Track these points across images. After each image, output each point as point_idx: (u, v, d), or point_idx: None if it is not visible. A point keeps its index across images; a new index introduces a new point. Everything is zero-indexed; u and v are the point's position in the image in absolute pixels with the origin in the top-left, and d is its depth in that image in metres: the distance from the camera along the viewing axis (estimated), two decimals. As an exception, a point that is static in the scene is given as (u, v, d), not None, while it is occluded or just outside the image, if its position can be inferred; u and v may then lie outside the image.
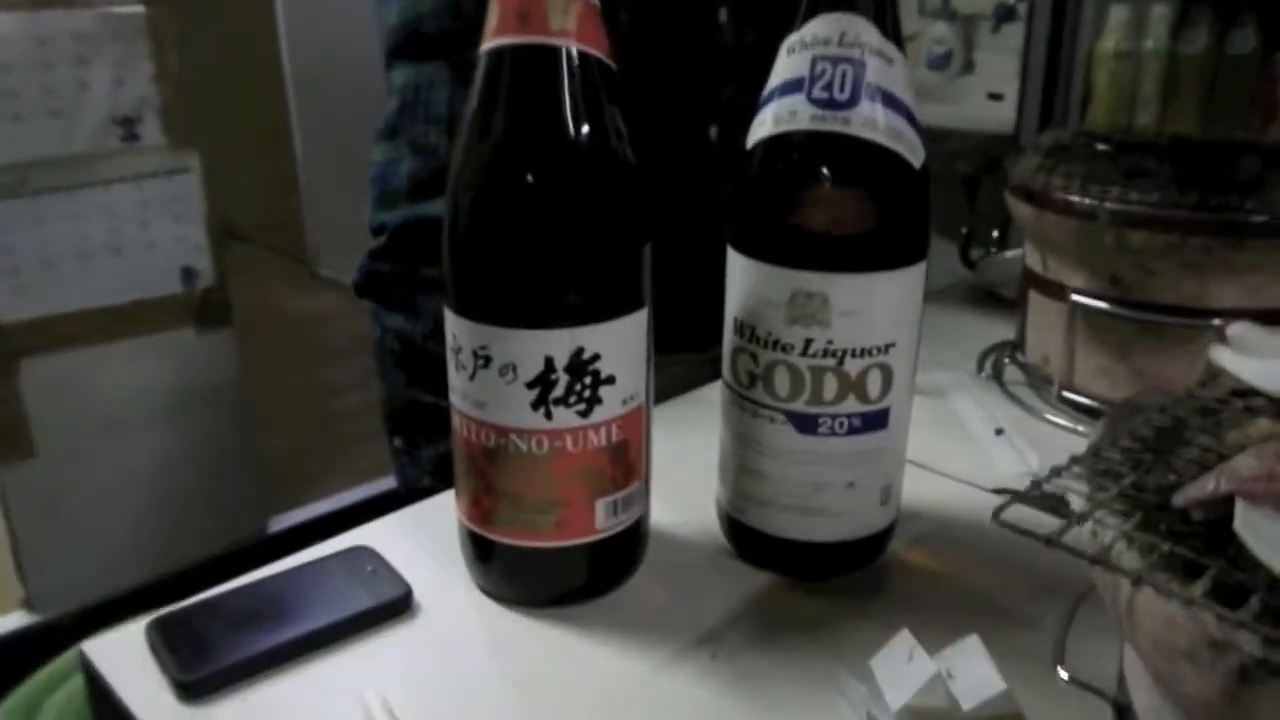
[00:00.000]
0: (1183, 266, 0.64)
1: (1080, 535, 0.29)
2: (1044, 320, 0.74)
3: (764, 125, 0.50)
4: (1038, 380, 0.77)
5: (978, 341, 0.86)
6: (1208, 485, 0.26)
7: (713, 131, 0.79)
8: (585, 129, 0.46)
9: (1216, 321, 0.65)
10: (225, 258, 1.42)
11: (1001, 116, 1.86)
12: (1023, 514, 0.30)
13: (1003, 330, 0.85)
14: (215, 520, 1.40)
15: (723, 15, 0.83)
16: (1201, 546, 0.25)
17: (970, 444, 0.70)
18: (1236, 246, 0.62)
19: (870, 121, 0.48)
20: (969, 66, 2.25)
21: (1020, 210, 0.72)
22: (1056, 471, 0.29)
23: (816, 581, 0.55)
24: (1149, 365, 0.67)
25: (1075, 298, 0.70)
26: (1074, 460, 0.30)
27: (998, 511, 0.27)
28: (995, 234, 1.39)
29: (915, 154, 0.49)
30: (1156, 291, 0.67)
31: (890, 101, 0.48)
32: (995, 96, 2.05)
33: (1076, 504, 0.28)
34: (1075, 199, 0.67)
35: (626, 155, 0.48)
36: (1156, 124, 1.65)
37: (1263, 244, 0.62)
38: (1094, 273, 0.69)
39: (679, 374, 0.77)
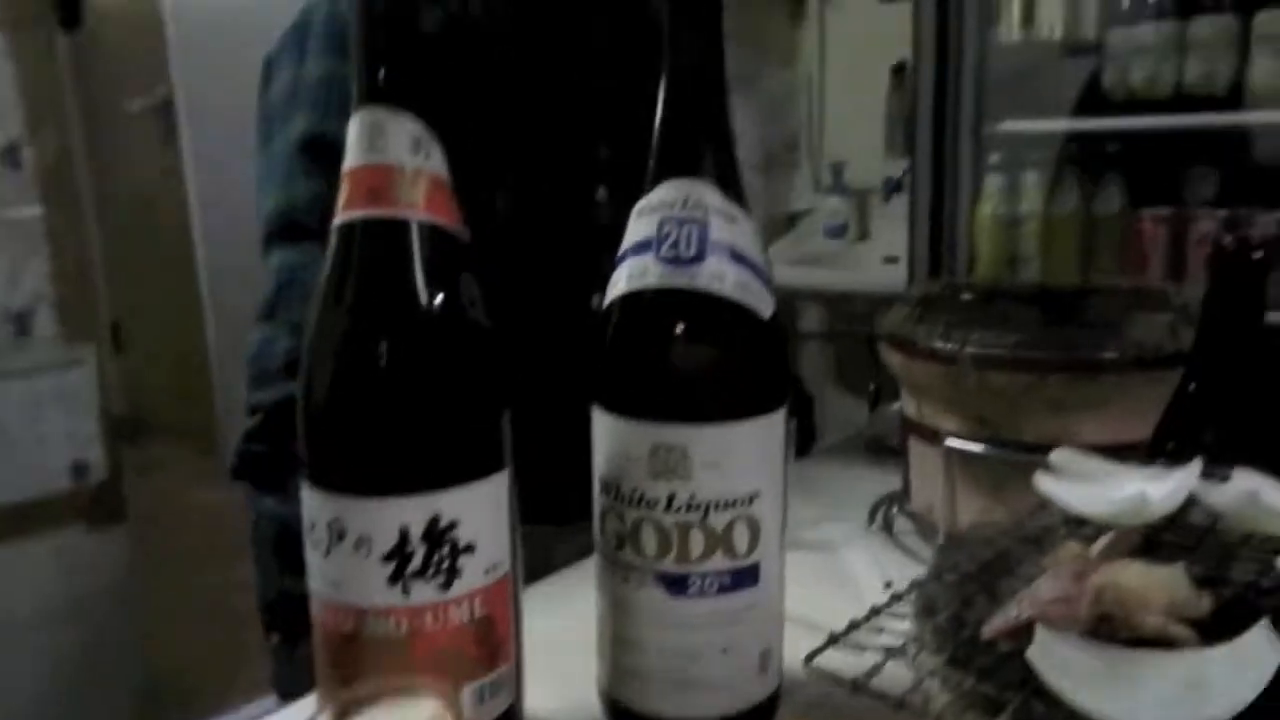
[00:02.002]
0: (1044, 405, 0.66)
1: (906, 676, 0.28)
2: (925, 467, 0.75)
3: (617, 285, 0.51)
4: (925, 529, 0.77)
5: (870, 493, 0.86)
6: (1011, 613, 0.26)
7: (595, 301, 0.81)
8: (435, 297, 0.47)
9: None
10: (120, 451, 1.38)
11: (898, 278, 1.95)
12: (857, 659, 0.29)
13: (895, 481, 0.86)
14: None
15: (601, 193, 0.87)
16: (1012, 679, 0.25)
17: (859, 601, 0.69)
18: (1090, 382, 0.65)
19: (717, 276, 0.49)
20: (864, 234, 2.38)
21: (891, 359, 0.75)
22: (876, 610, 0.29)
23: (702, 758, 0.52)
24: (1025, 504, 0.68)
25: (949, 442, 0.71)
26: (895, 598, 0.29)
27: (810, 657, 0.27)
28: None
29: (764, 306, 0.50)
30: (1023, 431, 0.68)
31: (737, 257, 0.50)
32: (890, 260, 2.16)
33: (887, 642, 0.27)
34: (939, 345, 0.69)
35: (480, 321, 0.49)
36: (1039, 279, 1.74)
37: (1115, 380, 0.64)
38: (963, 416, 0.70)
39: (584, 543, 0.76)
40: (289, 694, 0.72)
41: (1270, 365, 0.50)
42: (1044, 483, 0.36)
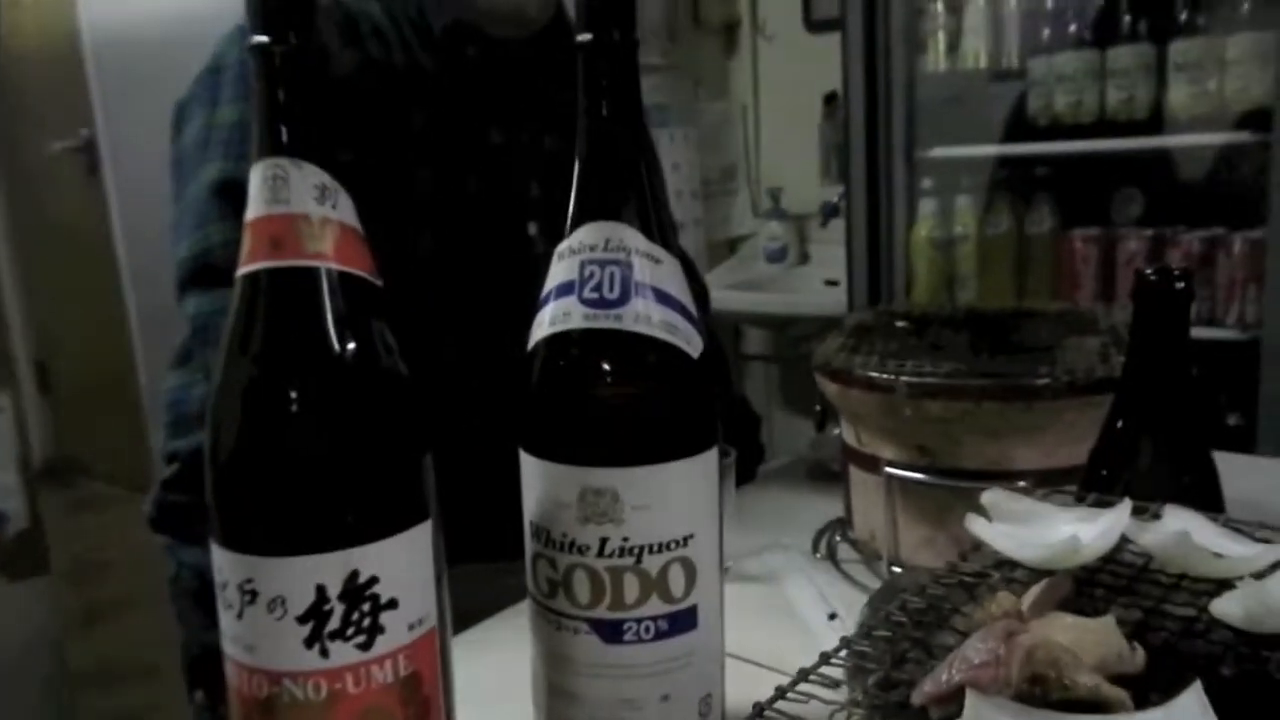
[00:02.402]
0: (981, 432, 0.66)
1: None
2: (866, 495, 0.75)
3: (540, 327, 0.50)
4: (869, 556, 0.76)
5: (814, 520, 0.85)
6: (941, 677, 0.25)
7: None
8: (345, 344, 0.45)
9: (1021, 484, 0.66)
10: (41, 499, 1.32)
11: (838, 300, 1.97)
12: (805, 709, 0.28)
13: (838, 506, 0.85)
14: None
15: (532, 229, 0.86)
16: (946, 744, 0.24)
17: (803, 634, 0.68)
18: (1025, 409, 0.65)
19: (642, 317, 0.48)
20: (805, 258, 2.40)
21: (828, 388, 0.74)
22: (804, 674, 0.27)
23: (642, 812, 0.50)
24: (967, 533, 0.68)
25: (889, 470, 0.70)
26: (824, 658, 0.28)
27: (756, 715, 0.25)
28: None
29: (691, 345, 0.49)
30: (962, 458, 0.68)
31: (662, 298, 0.49)
32: (831, 283, 2.17)
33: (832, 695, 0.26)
34: (875, 375, 0.69)
35: (395, 368, 0.47)
36: (976, 299, 1.77)
37: (1049, 405, 0.64)
38: (902, 444, 0.70)
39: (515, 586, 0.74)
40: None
41: (1196, 390, 0.50)
42: (976, 525, 0.35)
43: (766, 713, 0.26)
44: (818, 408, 1.29)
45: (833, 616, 0.69)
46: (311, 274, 0.44)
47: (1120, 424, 0.50)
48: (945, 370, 0.67)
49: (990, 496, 0.37)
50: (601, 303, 0.48)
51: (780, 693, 0.27)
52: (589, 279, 0.48)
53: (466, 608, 0.70)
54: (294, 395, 0.44)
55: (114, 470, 2.99)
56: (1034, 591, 0.29)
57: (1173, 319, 0.47)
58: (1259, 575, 0.30)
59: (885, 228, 1.73)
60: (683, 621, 0.50)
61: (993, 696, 0.24)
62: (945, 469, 0.69)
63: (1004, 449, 0.67)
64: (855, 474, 0.77)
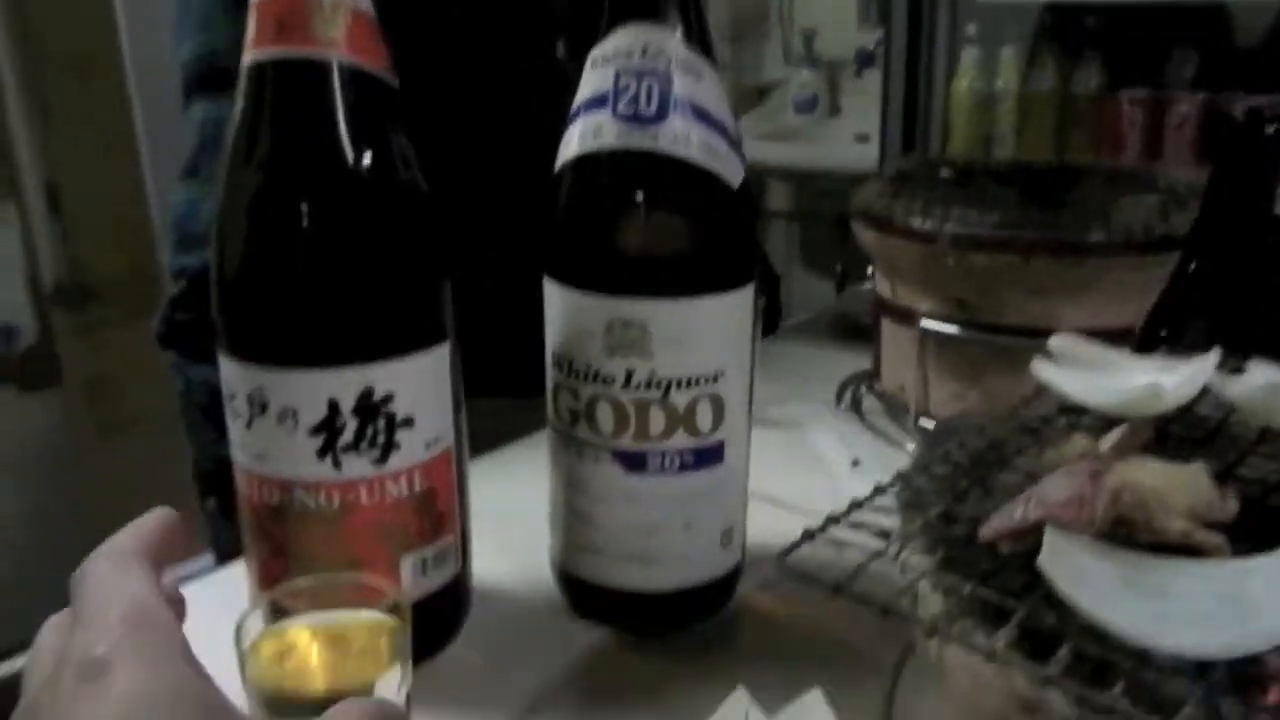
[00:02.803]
0: (1026, 288, 0.63)
1: (891, 575, 0.25)
2: (897, 348, 0.72)
3: (570, 144, 0.46)
4: (895, 409, 0.75)
5: (838, 372, 0.83)
6: (1015, 513, 0.23)
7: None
8: (361, 151, 0.41)
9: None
10: (52, 316, 1.31)
11: (869, 156, 1.89)
12: (835, 554, 0.26)
13: (863, 360, 0.83)
14: (38, 601, 1.26)
15: (560, 49, 0.80)
16: (1014, 585, 0.22)
17: (825, 478, 0.67)
18: (1076, 266, 0.61)
19: (681, 138, 0.44)
20: (835, 110, 2.30)
21: (865, 236, 0.70)
22: (857, 504, 0.25)
23: (656, 636, 0.50)
24: (1001, 388, 0.65)
25: (924, 323, 0.68)
26: (879, 490, 0.26)
27: (784, 554, 0.23)
28: (870, 269, 1.40)
29: (732, 172, 0.46)
30: (1002, 313, 0.65)
31: (703, 117, 0.45)
32: (862, 138, 2.09)
33: (873, 541, 0.24)
34: (917, 223, 0.65)
35: (413, 179, 0.44)
36: (1012, 158, 1.70)
37: (1101, 263, 0.61)
38: (940, 297, 0.67)
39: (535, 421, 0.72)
40: (226, 556, 0.70)
41: (1275, 250, 0.46)
42: (1043, 369, 0.33)
43: (817, 536, 0.24)
44: (839, 267, 1.25)
45: (855, 463, 0.68)
46: (321, 67, 0.40)
47: (1186, 280, 0.47)
48: (993, 221, 0.63)
49: (1059, 341, 0.34)
50: (637, 119, 0.44)
51: (832, 520, 0.25)
52: (624, 91, 0.44)
53: (482, 442, 0.69)
54: (305, 205, 0.41)
55: (124, 294, 2.98)
56: (1114, 435, 0.27)
57: (1259, 166, 0.43)
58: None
59: (924, 77, 1.64)
60: (708, 456, 0.48)
61: (1075, 534, 0.22)
62: (984, 324, 0.66)
63: (1048, 307, 0.64)
64: (887, 327, 0.74)
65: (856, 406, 0.78)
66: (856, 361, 0.84)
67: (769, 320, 1.06)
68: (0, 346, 1.24)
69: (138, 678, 0.22)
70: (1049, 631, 0.20)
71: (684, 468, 0.47)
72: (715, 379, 0.47)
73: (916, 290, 0.69)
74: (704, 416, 0.47)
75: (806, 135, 2.25)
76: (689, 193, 0.45)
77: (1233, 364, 0.34)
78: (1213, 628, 0.19)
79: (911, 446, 0.70)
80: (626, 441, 0.47)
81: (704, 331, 0.46)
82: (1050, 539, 0.21)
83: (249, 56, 0.41)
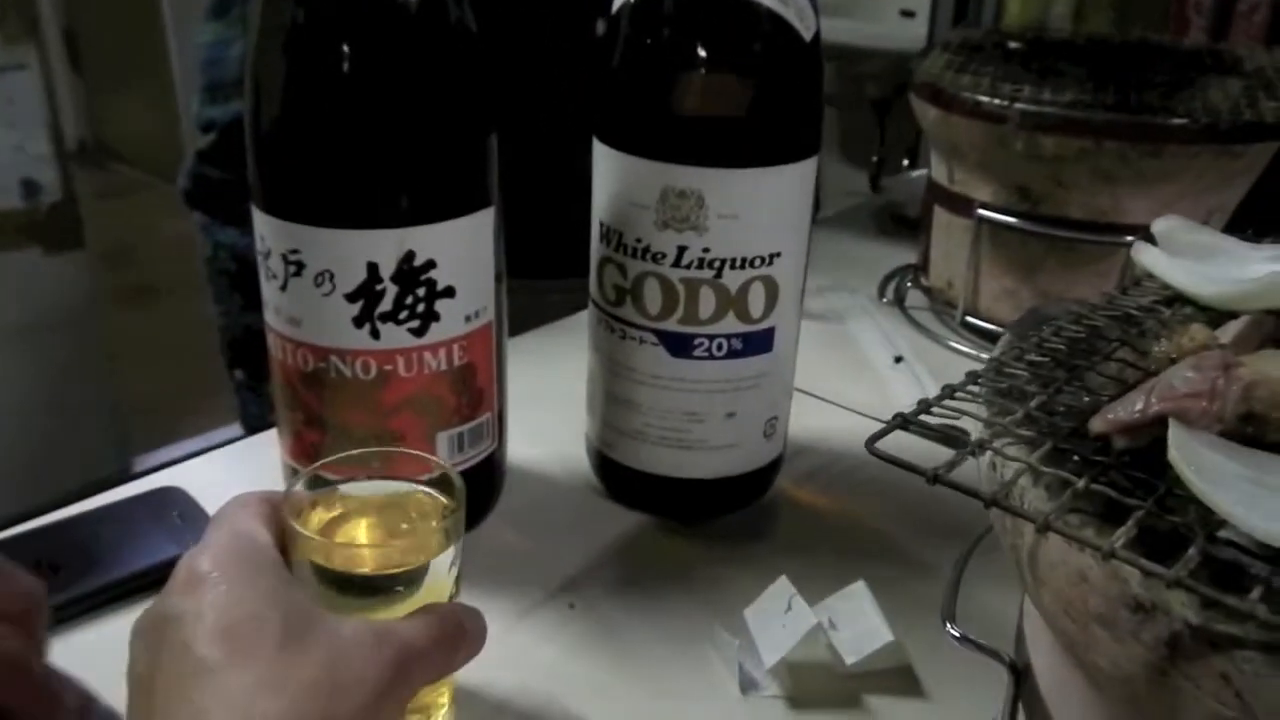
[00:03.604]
0: (1096, 176, 0.60)
1: (978, 468, 0.23)
2: (949, 239, 0.69)
3: (627, -15, 0.42)
4: (941, 305, 0.72)
5: (881, 265, 0.81)
6: (1135, 405, 0.21)
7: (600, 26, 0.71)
8: (408, -14, 0.38)
9: (1129, 239, 0.60)
10: (74, 174, 1.28)
11: (915, 34, 1.80)
12: (911, 444, 0.24)
13: (907, 254, 0.80)
14: (70, 459, 1.28)
15: None
16: (1126, 483, 0.20)
17: (867, 372, 0.65)
18: (1153, 153, 0.58)
19: (751, -22, 0.40)
20: (882, -17, 2.18)
21: (926, 113, 0.66)
22: (950, 391, 0.23)
23: (693, 523, 0.49)
24: (1055, 287, 0.63)
25: (982, 212, 0.64)
26: (972, 378, 0.24)
27: (873, 440, 0.21)
28: (905, 161, 1.34)
29: (805, 23, 0.42)
30: (1067, 206, 0.62)
31: (777, -44, 0.41)
32: (907, 13, 1.98)
33: (973, 431, 0.22)
34: (984, 99, 0.61)
35: (465, 21, 0.40)
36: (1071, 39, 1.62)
37: (1181, 150, 0.57)
38: (1002, 184, 0.64)
39: (566, 302, 0.70)
40: (255, 428, 0.69)
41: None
42: (1146, 255, 0.30)
43: (911, 424, 0.22)
44: (875, 157, 1.20)
45: (898, 359, 0.65)
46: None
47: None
48: (1066, 100, 0.59)
49: (1163, 224, 0.31)
50: (701, -48, 0.40)
51: (925, 406, 0.23)
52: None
53: (513, 319, 0.67)
54: (343, 47, 0.37)
55: (146, 156, 2.94)
56: (1235, 326, 0.24)
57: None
58: None
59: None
60: (758, 343, 0.46)
61: (1200, 430, 0.20)
62: (1046, 216, 0.63)
63: (1117, 198, 0.60)
64: (940, 215, 0.70)
65: (900, 301, 0.75)
66: (901, 255, 0.81)
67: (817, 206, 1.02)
68: (23, 200, 1.22)
69: (232, 586, 0.27)
70: (1169, 533, 0.18)
71: (732, 354, 0.45)
72: (771, 261, 0.44)
73: (976, 176, 0.65)
74: (756, 300, 0.45)
75: (850, 9, 2.14)
76: (756, 45, 0.42)
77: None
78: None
79: (956, 344, 0.68)
80: (673, 323, 0.45)
81: (764, 208, 0.43)
82: (1175, 434, 0.19)
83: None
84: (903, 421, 0.22)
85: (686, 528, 0.49)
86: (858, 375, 0.64)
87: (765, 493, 0.51)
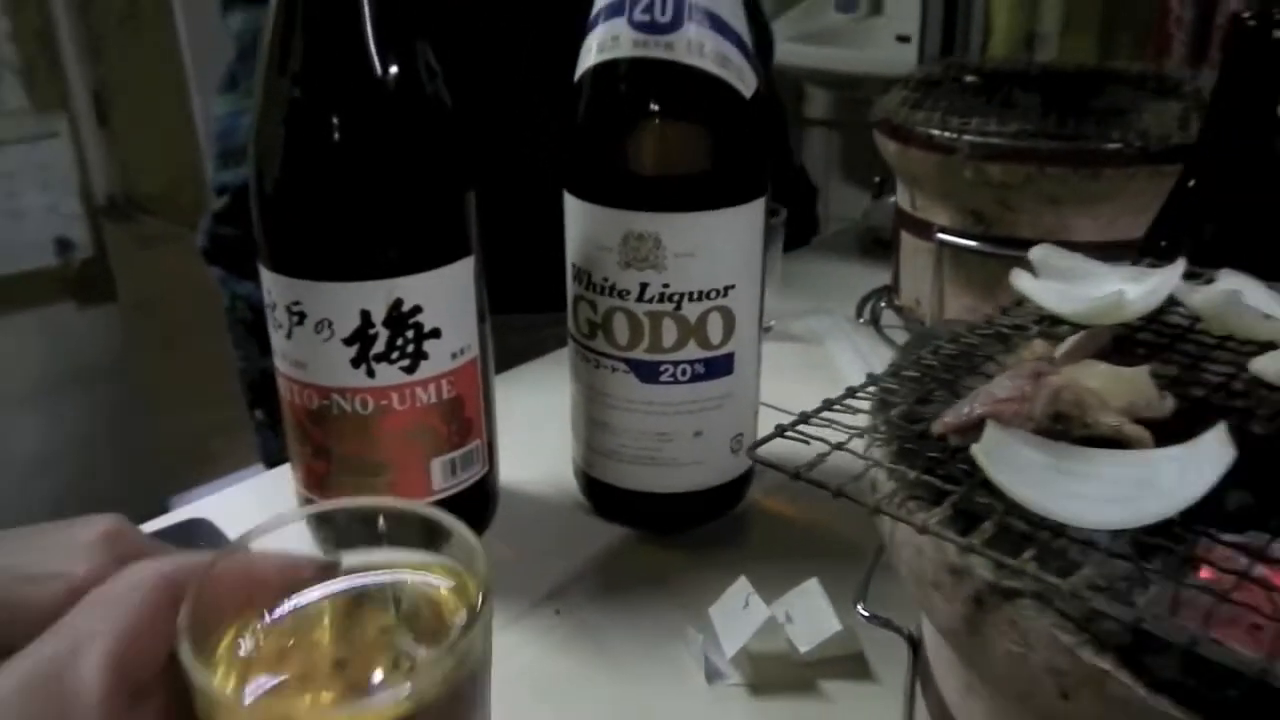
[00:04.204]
0: (1041, 199, 0.64)
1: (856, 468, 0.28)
2: (915, 261, 0.74)
3: (589, 54, 0.48)
4: (912, 324, 0.76)
5: (860, 287, 0.85)
6: (964, 409, 0.25)
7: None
8: (388, 67, 0.43)
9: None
10: (105, 229, 1.36)
11: (910, 60, 1.85)
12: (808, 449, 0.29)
13: (884, 276, 0.84)
14: (107, 504, 1.33)
15: None
16: (958, 474, 0.24)
17: (841, 391, 0.69)
18: (1092, 176, 0.62)
19: (695, 46, 0.45)
20: (877, 8, 2.23)
21: (886, 146, 0.71)
22: (828, 404, 0.28)
23: (670, 534, 0.54)
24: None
25: (941, 236, 0.69)
26: (850, 392, 0.29)
27: (753, 446, 0.26)
28: (872, 192, 1.38)
29: (745, 83, 0.47)
30: (1017, 226, 0.66)
31: (718, 25, 0.46)
32: (903, 39, 2.04)
33: (836, 436, 0.27)
34: (936, 132, 0.66)
35: (439, 94, 0.46)
36: (1057, 61, 1.66)
37: (1117, 173, 0.62)
38: (958, 209, 0.68)
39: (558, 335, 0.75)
40: (275, 462, 0.74)
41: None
42: (1020, 279, 0.35)
43: (787, 433, 0.27)
44: (877, 179, 1.25)
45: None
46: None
47: (1190, 189, 0.48)
48: (1011, 131, 0.64)
49: (1039, 252, 0.36)
50: (652, 26, 0.45)
51: (803, 418, 0.27)
52: (640, -2, 0.45)
53: (517, 356, 0.72)
54: (332, 119, 0.43)
55: (173, 207, 3.03)
56: (1070, 341, 0.29)
57: (1264, 73, 0.44)
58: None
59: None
60: (718, 367, 0.51)
61: (1015, 429, 0.24)
62: (999, 237, 0.67)
63: (1063, 218, 0.65)
64: (906, 239, 0.75)
65: (875, 320, 0.79)
66: (879, 276, 0.86)
67: (803, 233, 1.07)
68: (57, 258, 1.29)
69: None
70: (978, 511, 0.23)
71: (695, 378, 0.50)
72: (726, 292, 0.49)
73: (935, 202, 0.70)
74: (715, 329, 0.50)
75: (847, 37, 2.20)
76: (701, 104, 0.47)
77: (1205, 275, 0.36)
78: (1121, 507, 0.21)
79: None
80: (641, 352, 0.50)
81: (716, 245, 0.48)
82: (990, 432, 0.24)
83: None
84: (780, 431, 0.27)
85: (664, 538, 0.54)
86: (831, 393, 0.68)
87: (737, 504, 0.56)
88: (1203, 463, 0.22)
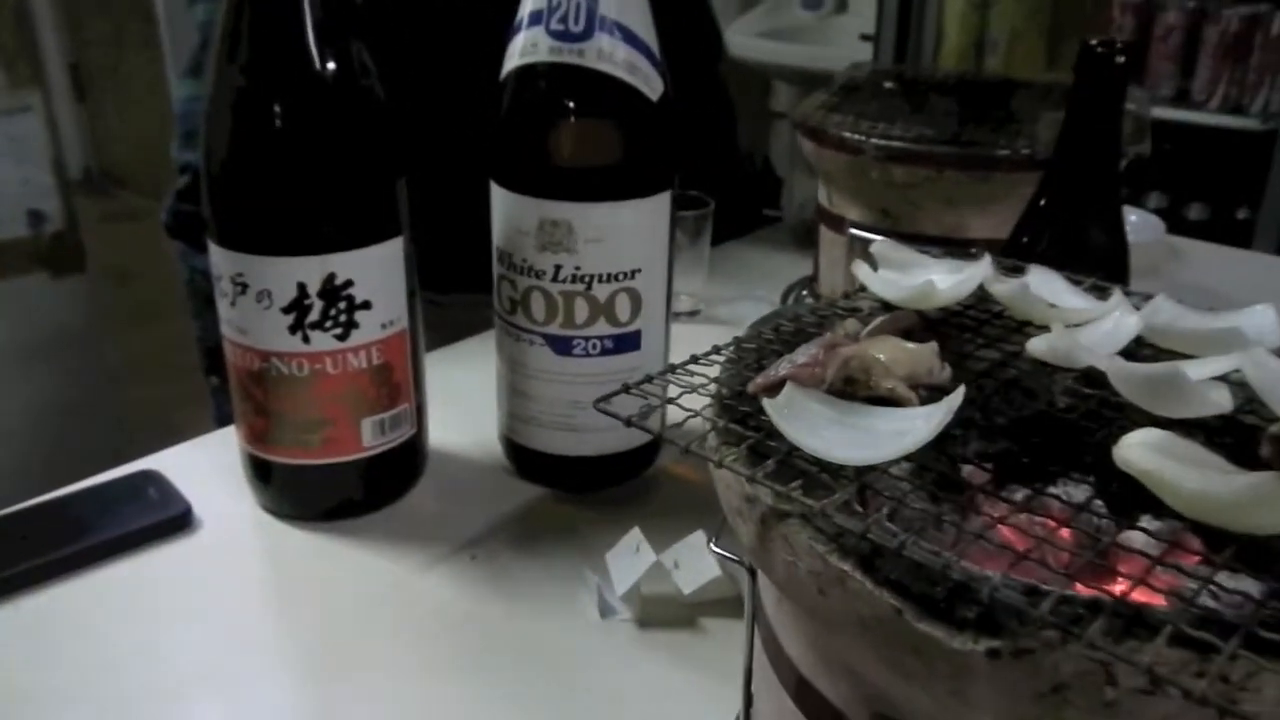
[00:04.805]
0: (940, 199, 0.70)
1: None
2: (831, 253, 0.79)
3: (511, 58, 0.53)
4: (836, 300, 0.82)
5: (787, 276, 0.91)
6: (771, 371, 0.31)
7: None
8: (325, 63, 0.48)
9: (973, 251, 0.70)
10: (77, 202, 1.39)
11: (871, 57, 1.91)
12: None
13: (810, 267, 0.90)
14: (75, 465, 1.37)
15: None
16: (764, 424, 0.30)
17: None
18: (984, 180, 0.68)
19: (605, 54, 0.51)
20: (842, 6, 2.29)
21: (805, 146, 0.77)
22: (671, 368, 0.33)
23: (583, 493, 0.59)
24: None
25: (852, 230, 0.74)
26: (694, 358, 0.34)
27: (599, 400, 0.31)
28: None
29: (652, 87, 0.52)
30: (921, 223, 0.72)
31: (627, 36, 0.51)
32: (867, 37, 2.09)
33: (672, 392, 0.32)
34: (847, 135, 0.71)
35: (372, 89, 0.51)
36: (1003, 67, 1.72)
37: (1005, 177, 0.67)
38: (868, 206, 0.74)
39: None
40: (226, 424, 0.79)
41: (1118, 168, 0.53)
42: (859, 269, 0.40)
43: (632, 391, 0.32)
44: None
45: (781, 356, 0.75)
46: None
47: (1045, 195, 0.54)
48: (912, 136, 0.70)
49: (878, 247, 0.41)
50: (566, 35, 0.50)
51: (647, 378, 0.32)
52: (556, 9, 0.51)
53: (458, 329, 0.77)
54: (273, 110, 0.48)
55: (147, 183, 3.06)
56: (877, 321, 0.34)
57: (1108, 94, 0.49)
58: (1077, 324, 0.35)
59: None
60: (627, 343, 0.56)
61: (810, 389, 0.30)
62: (905, 233, 0.73)
63: (961, 217, 0.71)
64: (824, 233, 0.81)
65: (798, 305, 0.85)
66: (806, 267, 0.91)
67: (750, 222, 1.12)
68: (29, 229, 1.33)
69: None
70: (769, 453, 0.29)
71: (605, 352, 0.56)
72: (633, 275, 0.55)
73: (847, 199, 0.75)
74: (623, 308, 0.55)
75: (812, 33, 2.26)
76: (610, 105, 0.52)
77: (1015, 269, 0.41)
78: (874, 448, 0.27)
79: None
80: (555, 328, 0.55)
81: (623, 232, 0.54)
82: (787, 390, 0.29)
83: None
84: (625, 388, 0.32)
85: (578, 497, 0.59)
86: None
87: (648, 468, 0.61)
88: (935, 418, 0.27)
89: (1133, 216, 1.06)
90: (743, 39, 2.14)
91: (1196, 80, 1.63)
